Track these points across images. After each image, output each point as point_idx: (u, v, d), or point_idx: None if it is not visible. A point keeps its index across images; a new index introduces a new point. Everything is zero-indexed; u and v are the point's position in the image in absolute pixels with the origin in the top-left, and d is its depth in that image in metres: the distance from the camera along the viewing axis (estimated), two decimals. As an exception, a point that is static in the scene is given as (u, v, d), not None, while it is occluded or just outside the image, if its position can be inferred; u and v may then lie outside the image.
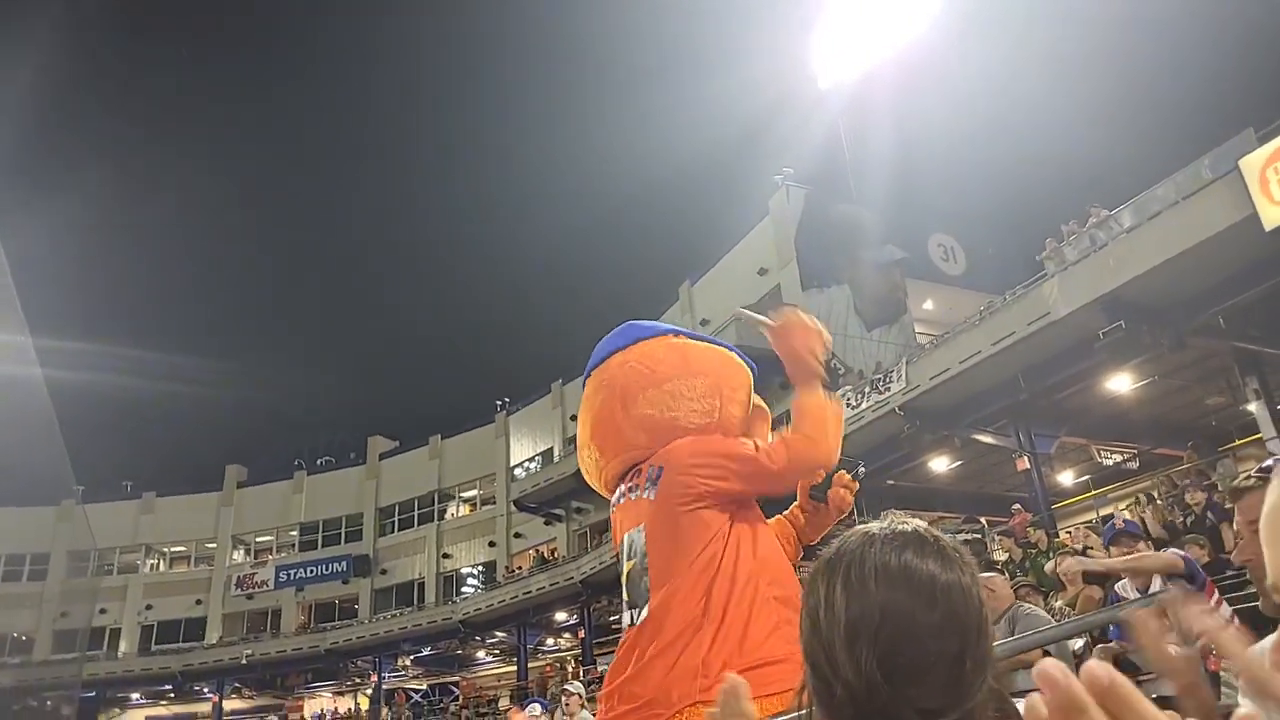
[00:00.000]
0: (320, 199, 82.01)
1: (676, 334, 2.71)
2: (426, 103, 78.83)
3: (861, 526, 1.05)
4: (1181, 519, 9.02)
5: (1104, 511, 14.80)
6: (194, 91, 77.25)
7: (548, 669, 30.39)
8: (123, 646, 37.02)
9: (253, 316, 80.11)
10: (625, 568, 2.44)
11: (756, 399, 2.74)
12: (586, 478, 2.81)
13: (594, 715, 7.85)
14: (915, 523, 1.05)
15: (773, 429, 2.70)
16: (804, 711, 1.01)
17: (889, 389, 17.35)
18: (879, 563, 0.96)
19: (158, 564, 39.71)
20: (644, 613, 2.29)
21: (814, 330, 2.44)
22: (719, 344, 2.75)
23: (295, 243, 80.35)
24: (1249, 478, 2.89)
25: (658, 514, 2.35)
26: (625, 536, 2.47)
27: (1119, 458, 18.27)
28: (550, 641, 33.19)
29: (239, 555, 39.53)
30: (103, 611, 36.38)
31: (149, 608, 37.73)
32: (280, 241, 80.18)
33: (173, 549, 39.83)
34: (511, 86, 72.50)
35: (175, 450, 62.43)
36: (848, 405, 18.85)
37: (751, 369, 2.74)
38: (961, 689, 0.90)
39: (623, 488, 2.55)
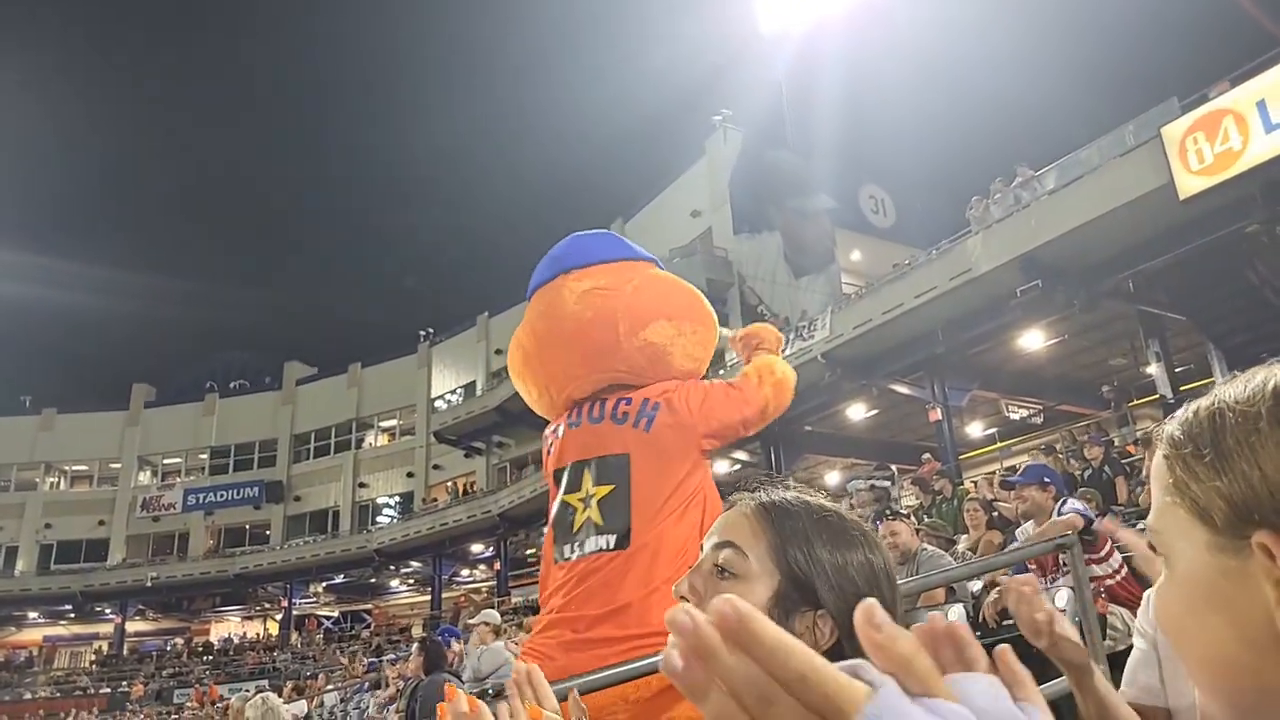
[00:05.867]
0: (247, 108, 78.23)
1: (657, 263, 2.76)
2: (359, 29, 75.33)
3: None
4: (1079, 472, 9.44)
5: (1008, 463, 15.42)
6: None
7: (461, 599, 30.59)
8: (20, 565, 35.74)
9: (167, 228, 76.50)
10: (594, 493, 2.36)
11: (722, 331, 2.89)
12: (522, 385, 2.68)
13: (514, 643, 7.87)
14: (828, 502, 1.04)
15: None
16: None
17: (813, 336, 17.58)
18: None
19: (58, 482, 38.27)
20: (626, 542, 2.28)
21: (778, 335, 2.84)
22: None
23: (218, 150, 76.52)
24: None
25: (650, 448, 2.35)
26: (593, 460, 2.39)
27: (1025, 412, 19.02)
28: (465, 573, 33.37)
29: (145, 477, 38.35)
30: (-2, 529, 35.08)
31: (48, 526, 36.43)
32: (201, 147, 76.28)
33: (74, 468, 38.39)
34: (451, 23, 69.74)
35: (79, 366, 59.91)
36: (771, 351, 19.07)
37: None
38: None
39: (589, 409, 2.45)
